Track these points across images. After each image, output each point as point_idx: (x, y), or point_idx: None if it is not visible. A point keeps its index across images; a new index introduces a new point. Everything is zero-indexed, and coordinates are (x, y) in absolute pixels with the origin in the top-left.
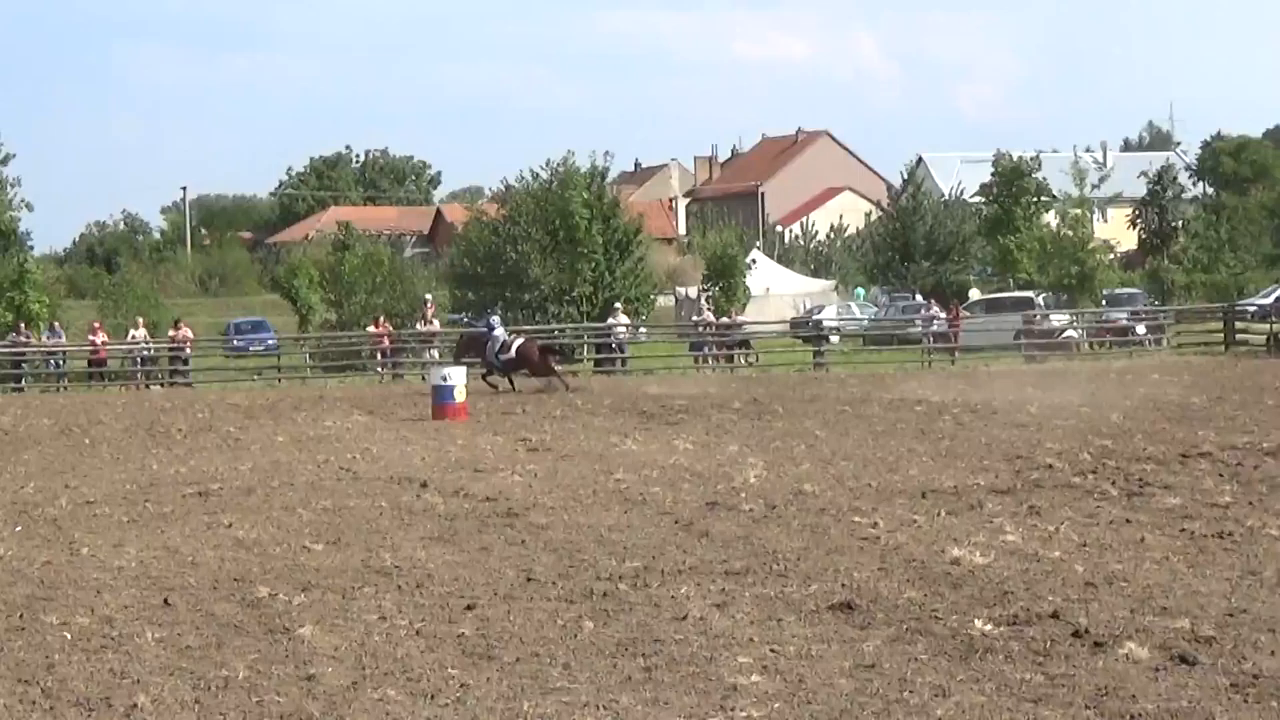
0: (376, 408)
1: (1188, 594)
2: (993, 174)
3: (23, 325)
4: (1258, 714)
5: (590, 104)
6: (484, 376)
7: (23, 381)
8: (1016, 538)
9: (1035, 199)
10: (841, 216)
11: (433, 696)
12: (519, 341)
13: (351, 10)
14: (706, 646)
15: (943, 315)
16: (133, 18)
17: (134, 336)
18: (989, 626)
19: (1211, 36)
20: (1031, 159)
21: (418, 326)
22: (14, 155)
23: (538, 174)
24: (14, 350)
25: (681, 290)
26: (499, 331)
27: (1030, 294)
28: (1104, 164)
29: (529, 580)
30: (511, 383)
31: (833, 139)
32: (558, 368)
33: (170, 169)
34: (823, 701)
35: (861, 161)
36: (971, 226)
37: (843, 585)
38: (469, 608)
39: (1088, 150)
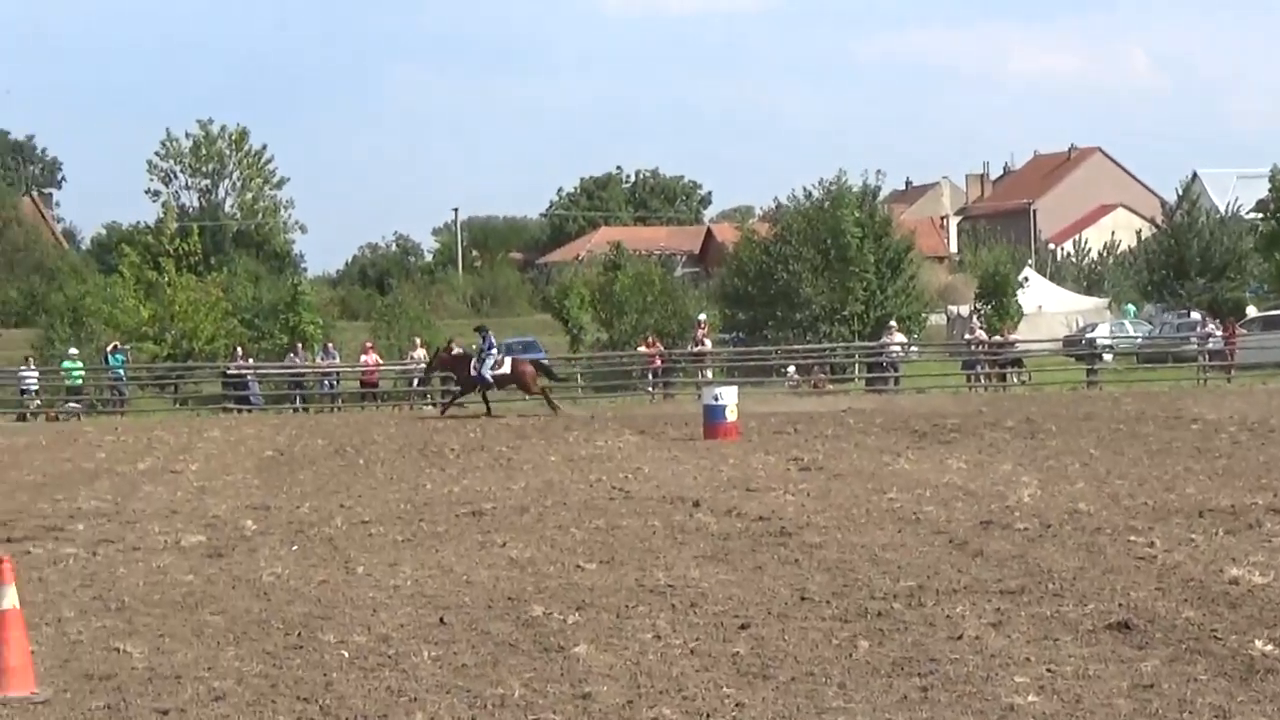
0: (648, 427)
1: None
2: (1270, 190)
3: (299, 346)
4: None
5: (861, 122)
6: (455, 400)
7: (298, 400)
8: None
9: None
10: (1114, 233)
11: (708, 716)
12: (510, 358)
13: (622, 31)
14: (982, 666)
15: (1219, 333)
16: (404, 41)
17: (414, 357)
18: (1269, 647)
19: None
20: None
21: (689, 347)
22: (288, 179)
23: (809, 192)
24: (292, 371)
25: (953, 308)
26: (494, 351)
27: None
28: None
29: (803, 599)
30: (487, 404)
31: (1105, 155)
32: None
33: (442, 191)
34: None
35: (1134, 178)
36: (1248, 243)
37: (1120, 605)
38: (743, 627)
39: None
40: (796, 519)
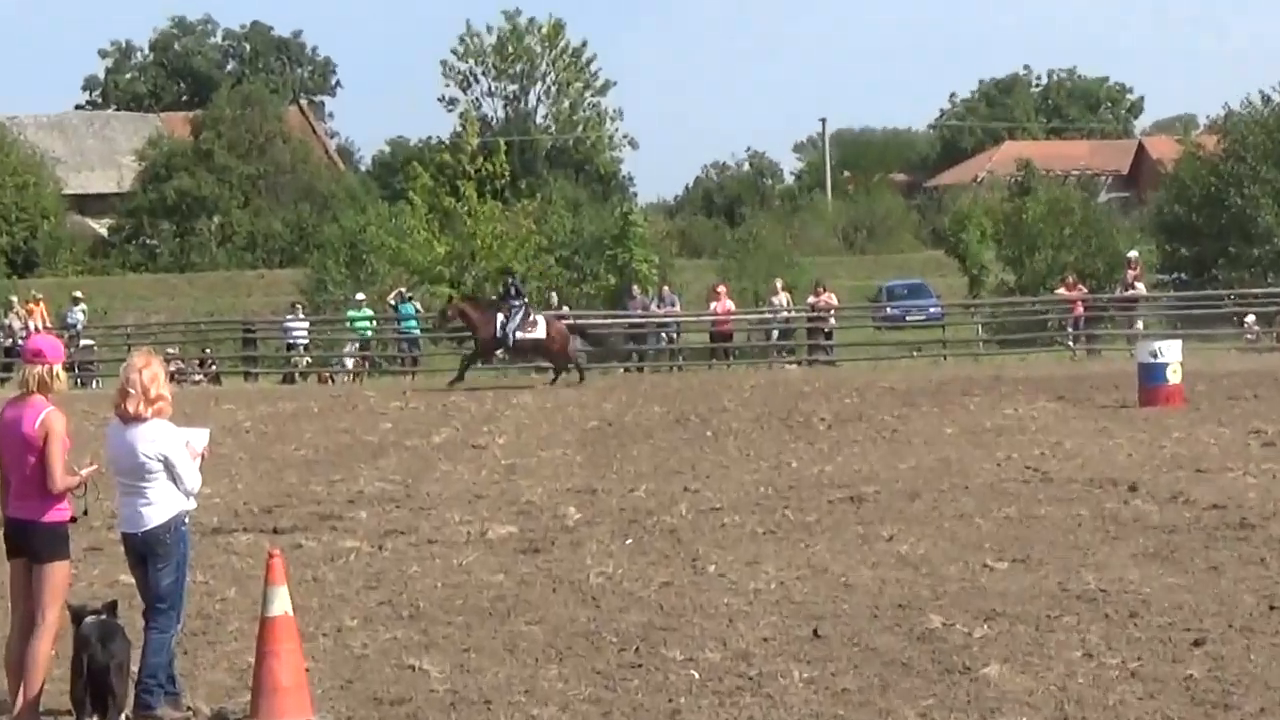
0: (1069, 392)
1: None
2: None
3: (634, 290)
4: None
5: None
6: (467, 361)
7: (633, 358)
8: None
9: None
10: None
11: None
12: (544, 319)
13: None
14: None
15: None
16: None
17: (774, 303)
18: None
19: None
20: None
21: (1119, 291)
22: (614, 83)
23: (1268, 97)
24: (627, 322)
25: None
26: (518, 304)
27: None
28: None
29: (1272, 609)
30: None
31: None
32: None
33: (806, 99)
34: None
35: None
36: None
37: None
38: (1197, 643)
39: None
40: (1261, 508)
